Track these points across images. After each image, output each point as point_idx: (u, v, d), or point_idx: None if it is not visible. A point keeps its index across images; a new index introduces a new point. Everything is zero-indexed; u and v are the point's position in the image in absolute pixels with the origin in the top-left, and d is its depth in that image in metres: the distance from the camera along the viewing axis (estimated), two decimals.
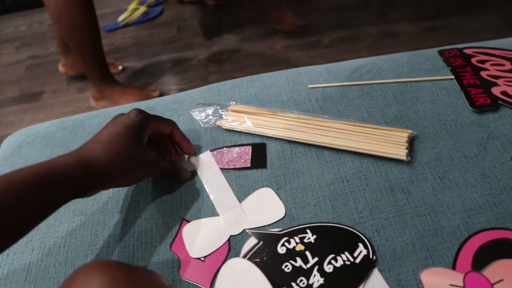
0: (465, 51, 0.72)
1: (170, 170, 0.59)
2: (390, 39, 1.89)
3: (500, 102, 0.61)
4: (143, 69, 1.95)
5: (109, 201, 0.61)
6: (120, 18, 2.30)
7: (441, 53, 0.73)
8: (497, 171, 0.54)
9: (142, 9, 2.33)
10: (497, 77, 0.65)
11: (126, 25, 2.29)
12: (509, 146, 0.56)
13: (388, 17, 2.03)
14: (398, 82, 0.69)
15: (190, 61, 1.94)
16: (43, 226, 0.60)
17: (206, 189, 0.60)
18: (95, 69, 1.66)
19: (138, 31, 2.24)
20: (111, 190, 0.62)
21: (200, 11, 2.30)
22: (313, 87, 0.72)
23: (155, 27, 2.25)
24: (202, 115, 0.69)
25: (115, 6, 2.47)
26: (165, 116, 0.61)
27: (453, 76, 0.67)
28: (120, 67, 1.98)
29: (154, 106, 0.73)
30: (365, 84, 0.70)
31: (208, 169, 0.62)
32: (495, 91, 0.63)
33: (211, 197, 0.58)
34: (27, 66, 2.17)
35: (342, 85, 0.71)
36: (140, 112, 0.56)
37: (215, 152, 0.64)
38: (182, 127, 0.68)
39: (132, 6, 2.37)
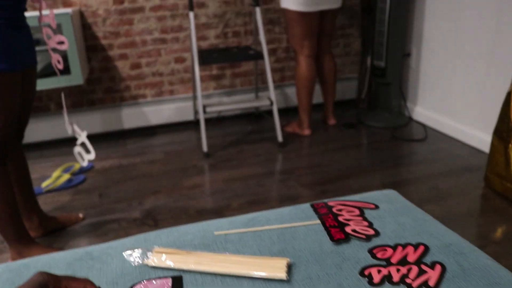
0: (329, 203, 0.99)
1: None
2: (290, 201, 2.20)
3: (350, 236, 0.87)
4: (63, 232, 2.06)
5: None
6: (44, 184, 2.45)
7: (312, 205, 0.99)
8: (350, 282, 0.77)
9: (66, 176, 2.51)
10: (349, 220, 0.92)
11: (49, 191, 2.43)
12: (357, 265, 0.80)
13: (287, 184, 2.38)
14: (281, 227, 0.93)
15: (111, 225, 2.10)
16: None
17: None
18: (12, 232, 1.73)
19: (60, 196, 2.38)
20: None
21: (122, 179, 2.52)
22: (218, 234, 0.94)
23: (77, 193, 2.41)
24: (132, 256, 0.87)
25: (39, 172, 2.64)
26: (101, 259, 0.79)
27: (319, 221, 0.93)
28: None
29: (92, 251, 0.90)
30: (256, 230, 0.93)
31: None
32: (348, 229, 0.89)
33: None
34: None
35: (240, 232, 0.93)
36: (43, 273, 0.59)
37: (142, 284, 0.81)
38: (115, 266, 0.85)
39: (56, 174, 2.54)
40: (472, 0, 2.58)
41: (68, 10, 2.68)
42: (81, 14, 2.99)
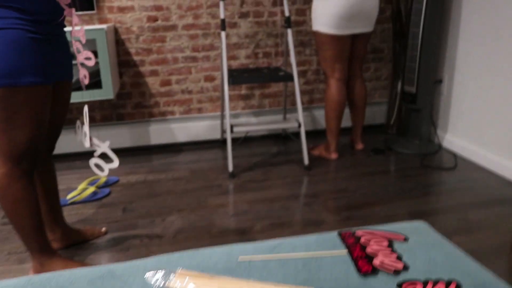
0: (357, 232, 0.96)
1: None
2: (314, 226, 2.16)
3: (378, 269, 0.83)
4: (86, 245, 2.07)
5: None
6: (69, 196, 2.47)
7: (339, 234, 0.96)
8: None
9: (91, 189, 2.53)
10: (377, 251, 0.88)
11: (74, 203, 2.45)
12: None
13: (312, 208, 2.34)
14: (306, 256, 0.90)
15: (133, 241, 2.09)
16: None
17: None
18: (35, 243, 1.73)
19: (85, 209, 2.40)
20: None
21: (146, 195, 2.52)
22: (242, 259, 0.92)
23: (101, 206, 2.42)
24: (155, 278, 0.85)
25: (66, 183, 2.67)
26: (123, 278, 0.77)
27: (346, 251, 0.89)
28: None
29: (114, 269, 0.89)
30: (281, 258, 0.91)
31: None
32: (376, 261, 0.85)
33: None
34: None
35: (265, 258, 0.91)
36: None
37: None
38: (137, 286, 0.83)
39: (82, 186, 2.57)
40: (508, 29, 2.53)
41: (103, 26, 2.74)
42: (116, 30, 3.05)
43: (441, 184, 2.62)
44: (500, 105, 2.64)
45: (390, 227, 1.03)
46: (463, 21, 2.93)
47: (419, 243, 0.95)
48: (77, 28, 1.65)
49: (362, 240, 0.93)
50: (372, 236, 0.95)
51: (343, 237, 0.95)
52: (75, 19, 1.64)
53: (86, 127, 1.78)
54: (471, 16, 2.85)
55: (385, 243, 0.92)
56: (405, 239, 0.96)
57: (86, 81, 1.72)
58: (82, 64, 1.70)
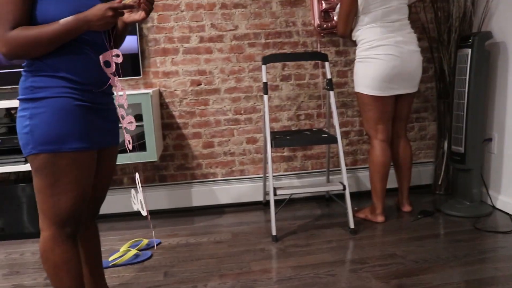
0: None
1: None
2: None
3: None
4: None
5: None
6: (111, 258, 2.46)
7: None
8: None
9: (133, 251, 2.51)
10: None
11: (115, 265, 2.42)
12: None
13: (360, 275, 2.22)
14: None
15: None
16: None
17: None
18: None
19: (126, 272, 2.37)
20: None
21: (188, 258, 2.48)
22: None
23: (142, 270, 2.39)
24: None
25: (108, 245, 2.66)
26: None
27: None
28: None
29: None
30: None
31: None
32: None
33: None
34: None
35: None
36: None
37: None
38: None
39: (124, 248, 2.55)
40: None
41: (149, 90, 2.82)
42: (160, 94, 3.13)
43: (497, 249, 2.45)
44: None
45: None
46: (510, 76, 2.85)
47: None
48: (120, 93, 1.69)
49: None
50: None
51: None
52: (118, 86, 1.69)
53: (140, 196, 1.77)
54: None
55: None
56: None
57: (130, 146, 1.74)
58: (126, 129, 1.73)
